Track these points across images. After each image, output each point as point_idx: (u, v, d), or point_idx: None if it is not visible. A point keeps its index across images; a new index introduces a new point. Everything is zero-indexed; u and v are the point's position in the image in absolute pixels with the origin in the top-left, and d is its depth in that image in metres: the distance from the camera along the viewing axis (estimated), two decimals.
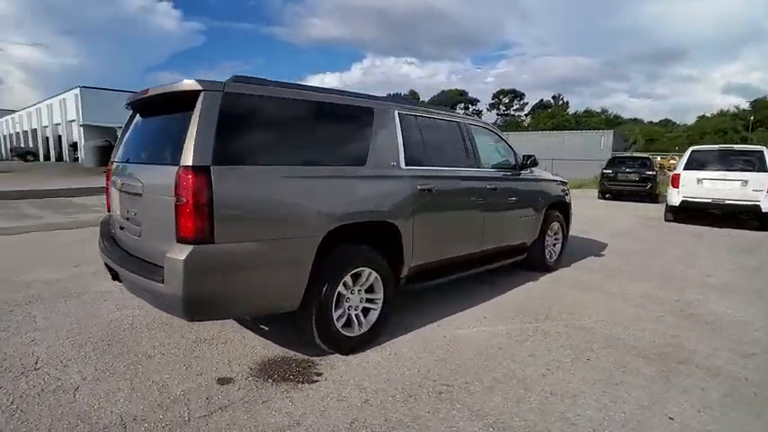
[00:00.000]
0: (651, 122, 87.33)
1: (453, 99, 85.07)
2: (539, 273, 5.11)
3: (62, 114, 36.92)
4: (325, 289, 2.69)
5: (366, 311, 3.06)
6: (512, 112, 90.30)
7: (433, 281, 3.63)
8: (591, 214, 10.78)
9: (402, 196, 3.17)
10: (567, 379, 2.71)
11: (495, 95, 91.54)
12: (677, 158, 15.56)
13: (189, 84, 2.34)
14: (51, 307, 3.61)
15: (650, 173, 13.68)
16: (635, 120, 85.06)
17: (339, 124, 2.95)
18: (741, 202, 8.48)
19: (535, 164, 4.70)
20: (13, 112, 51.58)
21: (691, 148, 9.56)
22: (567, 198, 5.52)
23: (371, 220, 2.97)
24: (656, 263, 5.84)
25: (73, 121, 35.18)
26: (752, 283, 4.99)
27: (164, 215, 2.27)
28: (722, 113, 72.85)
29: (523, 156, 4.65)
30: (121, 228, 2.88)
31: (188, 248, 2.16)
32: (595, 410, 2.37)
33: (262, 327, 3.34)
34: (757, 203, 8.28)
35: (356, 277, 2.95)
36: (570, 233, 7.60)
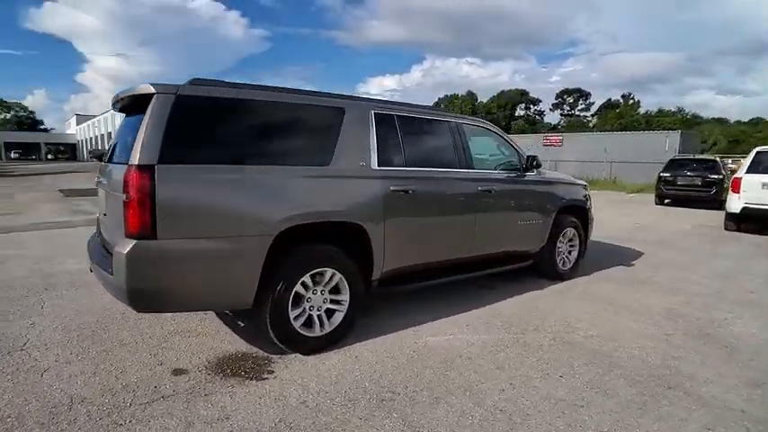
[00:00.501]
0: (739, 122, 78.95)
1: (514, 100, 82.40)
2: (550, 281, 4.81)
3: None
4: (279, 288, 2.72)
5: (331, 312, 3.05)
6: (576, 113, 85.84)
7: (411, 284, 3.55)
8: (641, 221, 9.98)
9: (371, 197, 3.12)
10: (528, 396, 2.52)
11: (559, 95, 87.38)
12: None
13: (144, 87, 2.47)
14: (62, 294, 3.96)
15: (716, 176, 12.35)
16: (718, 120, 77.37)
17: (299, 124, 2.97)
18: None
19: (537, 165, 4.42)
20: (94, 117, 57.61)
21: (756, 149, 8.51)
22: (586, 202, 5.14)
23: (333, 221, 2.95)
24: (693, 275, 5.27)
25: None
26: None
27: (118, 211, 2.42)
28: None
29: (527, 157, 4.40)
30: (102, 224, 3.11)
31: (131, 243, 2.29)
32: None
33: (239, 323, 3.44)
34: None
35: (318, 277, 2.94)
36: (608, 241, 7.15)
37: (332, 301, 3.04)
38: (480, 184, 3.88)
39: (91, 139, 57.98)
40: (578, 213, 5.08)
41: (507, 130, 65.02)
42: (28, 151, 60.68)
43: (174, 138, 2.40)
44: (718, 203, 12.30)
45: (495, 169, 4.32)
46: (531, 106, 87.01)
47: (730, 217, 8.49)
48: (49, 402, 2.29)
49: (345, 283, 3.04)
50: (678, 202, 13.22)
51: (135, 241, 2.29)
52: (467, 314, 3.78)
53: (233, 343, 3.09)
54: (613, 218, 10.41)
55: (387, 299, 3.98)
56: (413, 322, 3.55)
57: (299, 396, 2.45)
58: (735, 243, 7.50)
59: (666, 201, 13.39)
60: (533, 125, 72.74)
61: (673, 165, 13.45)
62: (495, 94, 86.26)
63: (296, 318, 2.86)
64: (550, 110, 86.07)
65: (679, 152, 18.69)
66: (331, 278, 2.98)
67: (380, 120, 3.32)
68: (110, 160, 3.09)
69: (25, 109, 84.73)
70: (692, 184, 12.68)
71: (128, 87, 2.69)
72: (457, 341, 3.24)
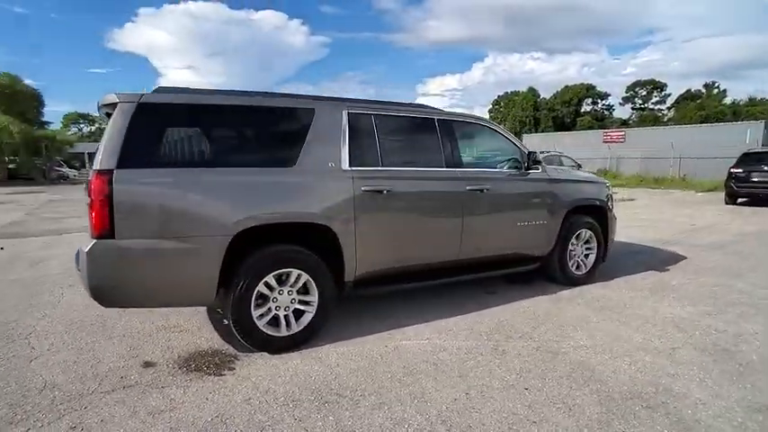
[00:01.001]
0: None
1: (579, 95, 77.89)
2: (562, 286, 4.50)
3: None
4: (240, 287, 2.79)
5: (300, 313, 3.08)
6: (650, 106, 79.38)
7: (391, 287, 3.49)
8: (701, 222, 9.02)
9: (339, 198, 3.11)
10: (480, 408, 2.38)
11: (630, 88, 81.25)
12: None
13: (111, 97, 2.66)
14: (81, 291, 4.34)
15: None
16: None
17: (262, 127, 3.03)
18: None
19: (536, 162, 4.14)
20: None
21: None
22: (605, 201, 4.74)
23: (297, 222, 2.98)
24: (739, 284, 4.66)
25: None
26: None
27: (87, 213, 2.62)
28: None
29: (527, 153, 4.14)
30: None
31: (92, 242, 2.47)
32: None
33: (224, 321, 3.57)
34: None
35: (283, 278, 2.98)
36: (651, 244, 6.56)
37: (300, 302, 3.07)
38: (469, 183, 3.72)
39: None
40: (596, 213, 4.70)
41: (572, 127, 61.71)
42: None
43: (134, 143, 2.56)
44: None
45: (495, 167, 4.12)
46: (599, 101, 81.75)
47: None
48: (26, 386, 2.53)
49: (313, 284, 3.05)
50: (757, 201, 11.77)
51: (95, 241, 2.47)
52: (455, 318, 3.64)
53: (210, 340, 3.23)
54: (669, 219, 9.52)
55: (376, 300, 3.96)
56: (395, 325, 3.49)
57: (247, 393, 2.50)
58: None
59: (740, 200, 11.98)
60: (601, 121, 68.23)
61: (747, 159, 12.01)
62: (559, 90, 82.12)
63: (260, 317, 2.92)
64: (620, 104, 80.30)
65: (763, 145, 16.64)
66: (297, 279, 3.01)
67: (355, 119, 3.31)
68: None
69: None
70: None
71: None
72: (431, 346, 3.13)
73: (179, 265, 2.66)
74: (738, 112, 60.93)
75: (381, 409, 2.36)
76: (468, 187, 3.70)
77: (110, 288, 2.57)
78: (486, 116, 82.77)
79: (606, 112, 78.74)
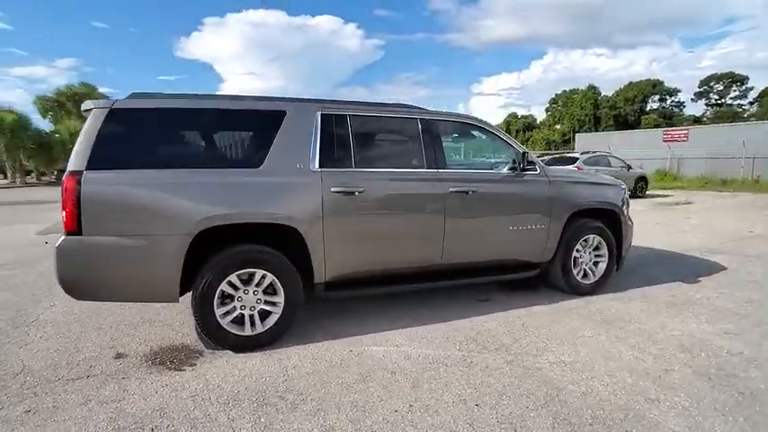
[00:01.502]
0: None
1: (645, 91, 72.60)
2: (566, 295, 4.19)
3: None
4: (203, 286, 2.86)
5: (267, 313, 3.10)
6: (728, 101, 72.27)
7: (363, 290, 3.42)
8: (760, 229, 8.08)
9: (306, 199, 3.09)
10: (417, 422, 2.26)
11: (704, 82, 74.53)
12: None
13: (88, 104, 2.83)
14: None
15: None
16: None
17: (231, 129, 3.08)
18: None
19: (529, 162, 3.86)
20: None
21: None
22: (617, 205, 4.35)
23: (261, 223, 3.00)
24: None
25: None
26: None
27: None
28: None
29: (521, 153, 3.89)
30: None
31: (62, 238, 2.63)
32: None
33: None
34: None
35: (248, 278, 3.02)
36: (691, 252, 5.99)
37: (267, 303, 3.09)
38: (453, 184, 3.55)
39: None
40: (606, 218, 4.33)
41: (636, 125, 57.77)
42: None
43: (104, 146, 2.71)
44: None
45: (487, 169, 3.93)
46: (668, 97, 75.73)
47: None
48: (6, 370, 2.75)
49: (279, 285, 3.06)
50: None
51: (65, 236, 2.64)
52: (435, 326, 3.50)
53: (186, 336, 3.33)
54: (725, 225, 8.60)
55: (357, 303, 3.91)
56: (370, 329, 3.42)
57: (195, 390, 2.55)
58: None
59: None
60: (669, 119, 63.15)
61: None
62: (622, 87, 76.99)
63: (224, 315, 2.97)
64: (692, 100, 73.89)
65: None
66: (262, 279, 3.03)
67: (328, 121, 3.28)
68: None
69: None
70: None
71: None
72: (397, 353, 3.03)
73: (142, 262, 2.76)
74: None
75: (316, 416, 2.31)
76: (451, 189, 3.54)
77: (78, 281, 2.73)
78: (543, 115, 79.37)
79: (675, 109, 72.72)
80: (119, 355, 2.98)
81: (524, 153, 3.83)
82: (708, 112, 71.57)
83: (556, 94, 79.64)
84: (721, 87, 74.14)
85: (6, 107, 26.70)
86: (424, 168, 3.53)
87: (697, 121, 61.02)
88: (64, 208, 2.65)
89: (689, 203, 13.01)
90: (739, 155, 17.50)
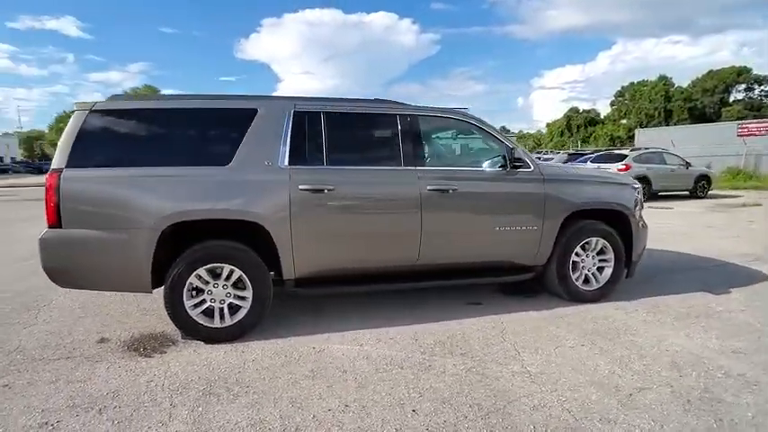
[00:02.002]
0: None
1: (728, 80, 65.65)
2: (566, 302, 3.92)
3: None
4: (172, 278, 3.00)
5: (236, 307, 3.19)
6: None
7: (335, 288, 3.42)
8: None
9: (273, 196, 3.14)
10: (345, 423, 2.23)
11: None
12: None
13: (74, 104, 3.06)
14: None
15: None
16: None
17: (203, 127, 3.19)
18: None
19: (516, 159, 3.62)
20: None
21: None
22: (628, 206, 3.99)
23: (227, 219, 3.09)
24: None
25: None
26: None
27: None
28: None
29: (510, 149, 3.66)
30: None
31: (45, 230, 2.88)
32: None
33: None
34: None
35: (217, 272, 3.12)
36: (736, 260, 5.44)
37: (236, 297, 3.18)
38: (432, 182, 3.44)
39: None
40: (614, 220, 4.00)
41: (716, 118, 52.68)
42: None
43: (83, 145, 2.93)
44: None
45: (473, 166, 3.77)
46: (756, 86, 68.00)
47: None
48: (3, 348, 3.07)
49: (247, 280, 3.14)
50: None
51: (47, 229, 2.88)
52: (408, 327, 3.43)
53: (169, 325, 3.49)
54: None
55: (338, 300, 3.92)
56: (342, 328, 3.42)
57: (153, 375, 2.69)
58: None
59: None
60: (757, 110, 56.72)
61: None
62: (699, 77, 70.17)
63: (194, 307, 3.10)
64: None
65: None
66: (230, 274, 3.13)
67: (300, 118, 3.31)
68: None
69: None
70: None
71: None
72: (358, 353, 3.00)
73: (114, 254, 2.95)
74: None
75: (251, 409, 2.35)
76: (429, 187, 3.43)
77: (60, 270, 2.97)
78: (608, 110, 74.29)
79: (766, 99, 65.20)
80: (102, 340, 3.21)
81: (513, 149, 3.62)
82: None
83: (622, 87, 74.39)
84: None
85: None
86: (400, 166, 3.45)
87: None
88: (46, 203, 2.90)
89: (757, 205, 11.65)
90: None
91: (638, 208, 4.10)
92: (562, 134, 77.40)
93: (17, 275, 4.98)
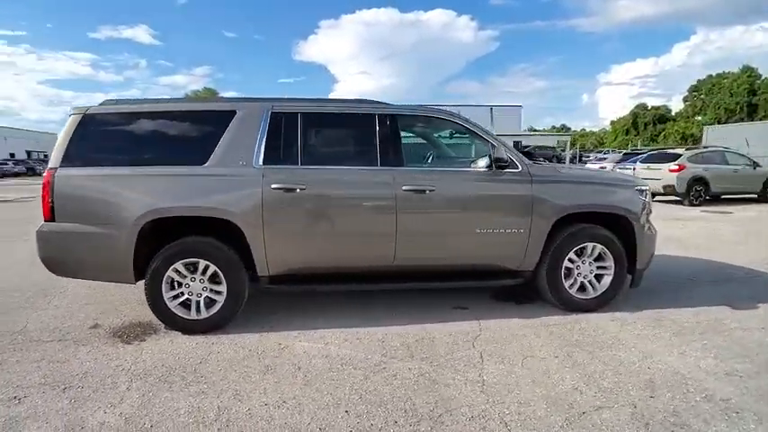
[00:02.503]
0: None
1: None
2: (560, 311, 3.70)
3: None
4: (151, 271, 3.19)
5: (212, 301, 3.33)
6: None
7: (307, 286, 3.47)
8: None
9: (246, 195, 3.23)
10: (274, 419, 2.26)
11: None
12: None
13: (70, 109, 3.35)
14: None
15: None
16: None
17: (185, 129, 3.35)
18: None
19: (498, 159, 3.44)
20: None
21: None
22: (631, 210, 3.67)
23: (202, 216, 3.22)
24: None
25: None
26: None
27: None
28: None
29: (493, 146, 3.49)
30: None
31: (42, 224, 3.18)
32: None
33: None
34: None
35: (193, 267, 3.27)
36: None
37: (212, 291, 3.32)
38: (408, 183, 3.38)
39: None
40: (615, 224, 3.70)
41: None
42: None
43: (75, 147, 3.19)
44: None
45: (455, 167, 3.66)
46: None
47: None
48: (9, 329, 3.41)
49: (221, 275, 3.27)
50: None
51: (43, 222, 3.17)
52: (382, 329, 3.39)
53: None
54: None
55: (321, 299, 3.96)
56: (316, 325, 3.45)
57: (123, 360, 2.88)
58: None
59: None
60: None
61: None
62: None
63: (172, 299, 3.27)
64: None
65: None
66: (206, 269, 3.27)
67: (277, 119, 3.38)
68: None
69: None
70: None
71: None
72: (318, 351, 3.03)
73: (100, 247, 3.19)
74: None
75: (196, 397, 2.45)
76: (405, 188, 3.37)
77: (54, 261, 3.26)
78: (680, 106, 68.38)
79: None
80: (95, 326, 3.48)
81: (498, 149, 3.46)
82: None
83: (698, 81, 68.50)
84: None
85: None
86: (376, 166, 3.42)
87: None
88: (42, 199, 3.19)
89: None
90: None
91: (644, 212, 3.77)
92: (627, 132, 72.62)
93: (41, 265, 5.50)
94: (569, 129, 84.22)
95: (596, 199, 3.68)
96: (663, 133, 65.98)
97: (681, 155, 11.53)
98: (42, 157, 42.55)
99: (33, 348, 3.07)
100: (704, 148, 12.66)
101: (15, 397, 2.45)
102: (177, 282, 3.28)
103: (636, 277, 3.81)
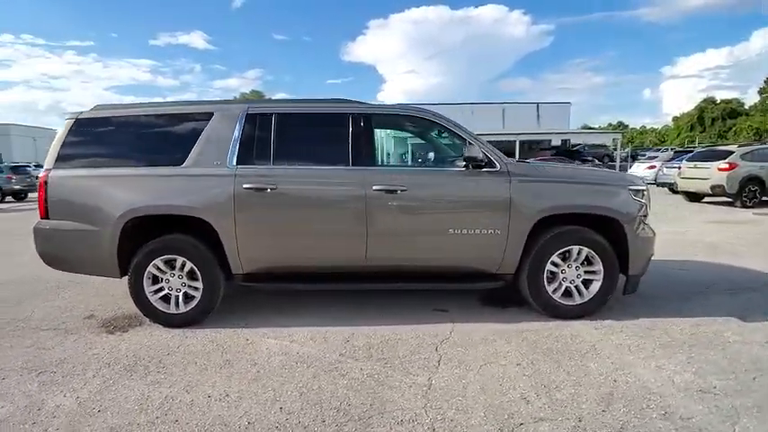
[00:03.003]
0: None
1: None
2: (544, 316, 3.52)
3: None
4: (133, 266, 3.39)
5: (190, 297, 3.48)
6: None
7: (280, 285, 3.54)
8: None
9: (219, 194, 3.35)
10: (211, 410, 2.33)
11: None
12: None
13: (65, 114, 3.62)
14: None
15: None
16: None
17: (167, 131, 3.52)
18: None
19: (470, 158, 3.31)
20: None
21: None
22: (618, 211, 3.42)
23: (177, 215, 3.37)
24: None
25: None
26: None
27: None
28: None
29: (470, 145, 3.37)
30: None
31: (38, 221, 3.46)
32: None
33: None
34: None
35: (172, 263, 3.44)
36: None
37: (190, 287, 3.47)
38: (378, 183, 3.36)
39: None
40: (605, 226, 3.47)
41: None
42: None
43: (67, 149, 3.46)
44: None
45: (432, 166, 3.59)
46: None
47: None
48: (16, 317, 3.74)
49: (198, 272, 3.41)
50: None
51: (39, 219, 3.46)
52: (350, 328, 3.39)
53: None
54: None
55: (299, 297, 4.03)
56: (288, 323, 3.50)
57: (101, 349, 3.08)
58: None
59: None
60: None
61: None
62: None
63: (154, 293, 3.45)
64: None
65: None
66: (183, 266, 3.42)
67: (252, 120, 3.48)
68: None
69: None
70: None
71: None
72: (281, 348, 3.08)
73: (88, 243, 3.42)
74: None
75: (149, 386, 2.57)
76: (375, 187, 3.36)
77: (49, 255, 3.54)
78: (756, 99, 62.58)
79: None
80: (90, 317, 3.75)
81: (474, 147, 3.36)
82: None
83: None
84: None
85: None
86: (348, 165, 3.43)
87: None
88: (38, 198, 3.48)
89: None
90: None
91: (640, 213, 3.51)
92: (692, 129, 67.40)
93: None
94: (626, 126, 79.49)
95: (578, 200, 3.46)
96: (733, 129, 60.66)
97: (732, 152, 10.57)
98: None
99: (29, 335, 3.35)
100: (762, 144, 11.49)
101: None
102: (158, 277, 3.46)
103: (630, 283, 3.55)
